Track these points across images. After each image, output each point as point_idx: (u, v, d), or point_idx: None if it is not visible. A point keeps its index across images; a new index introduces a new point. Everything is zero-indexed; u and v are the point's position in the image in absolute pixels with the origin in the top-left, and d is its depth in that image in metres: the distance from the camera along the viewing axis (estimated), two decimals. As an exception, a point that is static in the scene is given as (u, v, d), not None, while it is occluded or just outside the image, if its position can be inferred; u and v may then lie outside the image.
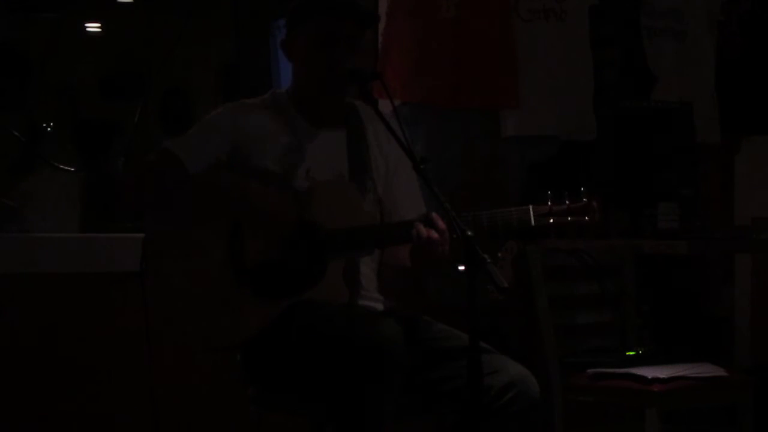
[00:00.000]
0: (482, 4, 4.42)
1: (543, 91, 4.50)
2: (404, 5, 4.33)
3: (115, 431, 3.98)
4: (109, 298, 3.91)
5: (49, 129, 4.89)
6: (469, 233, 2.56)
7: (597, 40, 4.67)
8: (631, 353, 4.07)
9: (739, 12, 5.06)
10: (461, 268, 2.61)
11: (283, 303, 2.86)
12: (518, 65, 4.47)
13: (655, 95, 4.84)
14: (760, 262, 4.90)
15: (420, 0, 4.35)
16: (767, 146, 5.08)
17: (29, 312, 3.92)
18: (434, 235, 2.77)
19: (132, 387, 3.83)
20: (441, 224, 2.77)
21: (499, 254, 4.28)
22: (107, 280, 3.88)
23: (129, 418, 3.93)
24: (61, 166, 4.39)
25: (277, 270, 2.88)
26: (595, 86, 4.63)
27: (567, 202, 2.87)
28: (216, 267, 2.89)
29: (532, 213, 2.85)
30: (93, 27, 5.66)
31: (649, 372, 3.69)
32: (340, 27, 2.96)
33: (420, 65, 4.32)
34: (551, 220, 2.86)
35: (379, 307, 3.03)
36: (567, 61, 4.56)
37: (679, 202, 4.11)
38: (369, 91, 2.91)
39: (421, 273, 2.95)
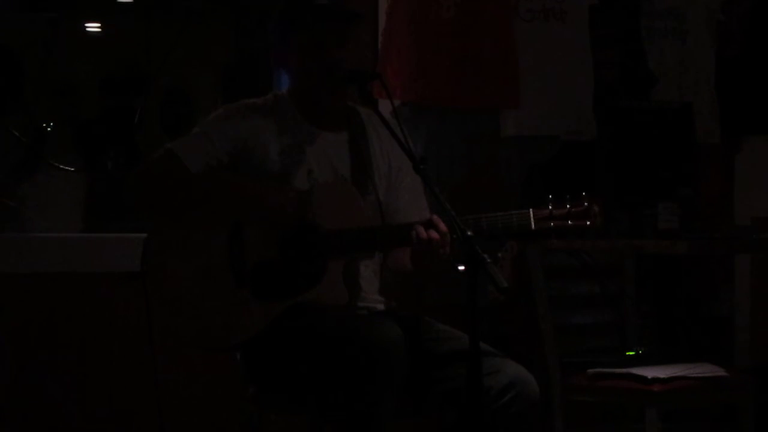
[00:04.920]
0: (482, 4, 4.42)
1: (543, 91, 4.49)
2: (404, 5, 4.32)
3: (117, 431, 3.98)
4: (111, 298, 3.91)
5: (49, 129, 4.89)
6: (469, 233, 2.57)
7: (597, 41, 4.66)
8: (631, 353, 4.08)
9: (739, 12, 5.06)
10: (461, 268, 2.61)
11: (282, 304, 2.86)
12: (518, 65, 4.47)
13: (655, 95, 4.84)
14: (760, 262, 4.90)
15: (420, 0, 4.35)
16: (767, 146, 5.08)
17: (30, 312, 3.93)
18: (434, 235, 2.77)
19: (134, 387, 3.83)
20: (442, 226, 2.76)
21: (499, 254, 4.29)
22: (109, 280, 3.88)
23: (130, 419, 3.93)
24: (62, 167, 4.39)
25: (276, 271, 2.88)
26: (595, 86, 4.62)
27: (568, 206, 2.85)
28: (216, 268, 2.90)
29: (532, 217, 2.84)
30: (93, 27, 5.65)
31: (649, 372, 3.70)
32: (329, 30, 2.96)
33: (420, 65, 4.32)
34: (551, 224, 2.85)
35: (380, 307, 3.03)
36: (567, 61, 4.56)
37: (678, 202, 4.11)
38: (369, 91, 2.91)
39: (421, 278, 2.94)
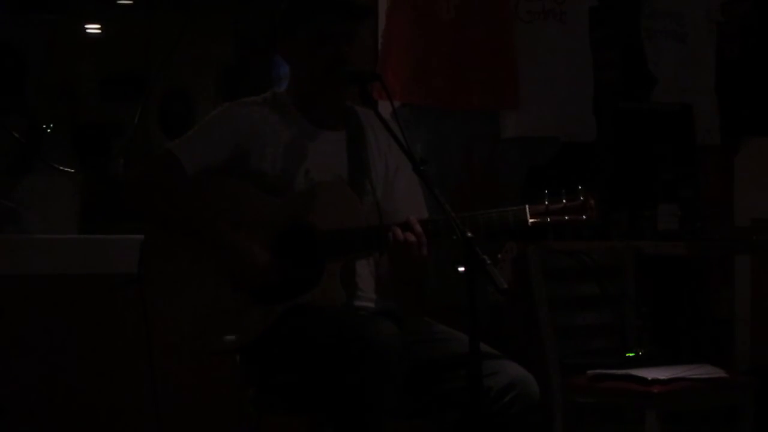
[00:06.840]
0: (482, 5, 4.42)
1: (543, 93, 4.50)
2: (404, 6, 4.33)
3: (115, 432, 3.99)
4: (108, 300, 3.91)
5: (48, 130, 4.88)
6: (469, 234, 2.56)
7: (597, 41, 4.67)
8: (631, 354, 4.07)
9: (739, 12, 5.06)
10: (461, 269, 2.60)
11: (281, 307, 2.86)
12: (518, 66, 4.47)
13: (655, 96, 4.85)
14: (759, 264, 4.90)
15: (420, 1, 4.35)
16: (767, 147, 5.08)
17: (28, 314, 3.92)
18: (411, 238, 2.77)
19: (132, 388, 3.83)
20: (418, 228, 2.77)
21: (499, 255, 4.29)
22: (106, 282, 3.88)
23: (129, 420, 3.93)
24: (60, 168, 4.38)
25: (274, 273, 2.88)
26: (595, 87, 4.63)
27: (564, 200, 2.86)
28: (213, 271, 2.89)
29: (528, 212, 2.85)
30: (93, 28, 5.65)
31: (649, 373, 3.69)
32: (340, 24, 2.95)
33: (420, 66, 4.32)
34: (548, 219, 2.85)
35: (379, 307, 3.02)
36: (567, 62, 4.56)
37: (678, 203, 4.12)
38: (369, 92, 2.90)
39: (400, 284, 2.93)
